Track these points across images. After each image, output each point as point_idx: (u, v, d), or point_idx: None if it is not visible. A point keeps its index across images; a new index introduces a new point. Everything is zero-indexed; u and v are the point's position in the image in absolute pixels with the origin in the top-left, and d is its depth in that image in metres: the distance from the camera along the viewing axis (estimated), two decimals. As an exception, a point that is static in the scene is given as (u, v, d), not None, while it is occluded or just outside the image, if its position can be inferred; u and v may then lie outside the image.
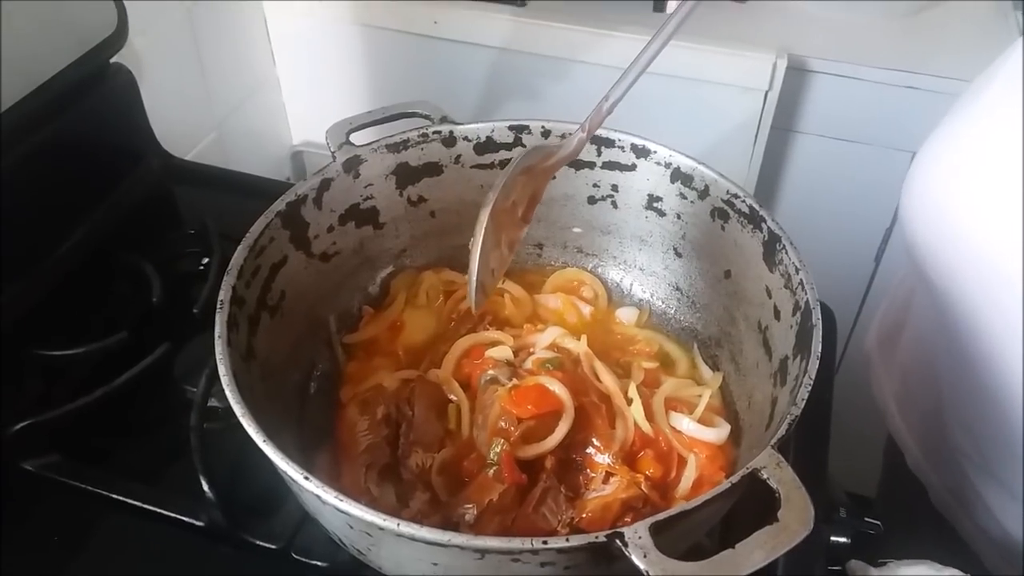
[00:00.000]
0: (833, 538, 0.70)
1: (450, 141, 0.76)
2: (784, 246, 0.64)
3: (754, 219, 0.68)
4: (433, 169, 0.76)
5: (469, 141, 0.76)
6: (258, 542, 0.65)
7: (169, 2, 1.14)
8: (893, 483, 0.95)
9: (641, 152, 0.74)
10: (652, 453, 0.65)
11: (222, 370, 0.55)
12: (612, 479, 0.62)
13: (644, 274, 0.81)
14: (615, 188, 0.77)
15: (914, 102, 1.16)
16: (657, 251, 0.79)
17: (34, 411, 0.71)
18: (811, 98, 1.22)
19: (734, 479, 0.49)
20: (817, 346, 0.57)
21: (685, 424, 0.67)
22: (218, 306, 0.59)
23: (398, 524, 0.47)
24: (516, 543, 0.46)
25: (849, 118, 1.23)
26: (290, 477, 0.50)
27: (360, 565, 0.58)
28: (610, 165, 0.76)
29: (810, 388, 0.55)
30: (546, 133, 0.75)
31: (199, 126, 1.24)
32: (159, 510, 0.67)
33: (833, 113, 1.23)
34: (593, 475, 0.63)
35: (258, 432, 0.51)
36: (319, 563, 0.64)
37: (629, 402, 0.67)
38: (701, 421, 0.67)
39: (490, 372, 0.69)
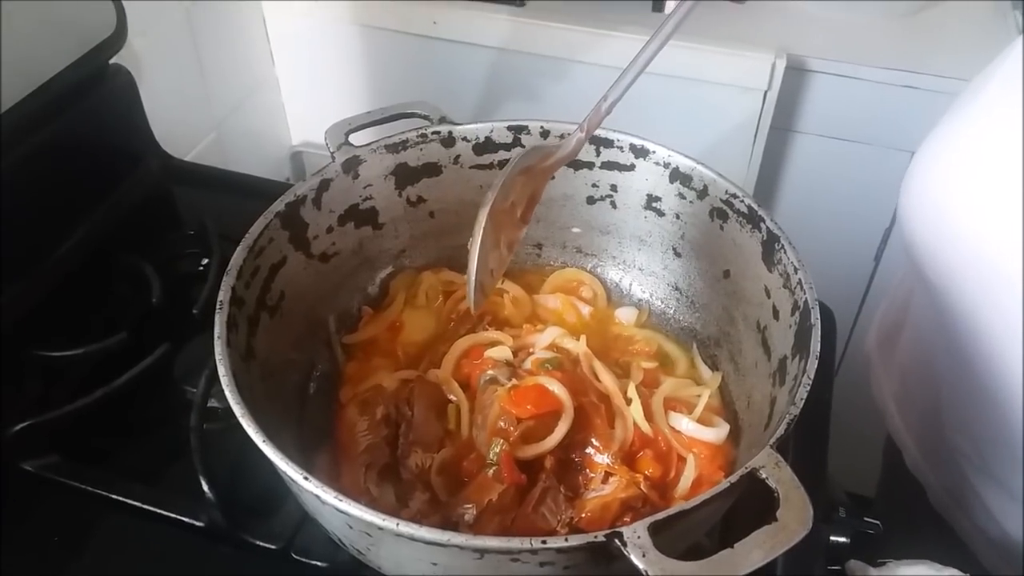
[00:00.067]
0: (832, 538, 0.70)
1: (449, 141, 0.76)
2: (783, 246, 0.64)
3: (753, 219, 0.68)
4: (432, 169, 0.77)
5: (468, 141, 0.76)
6: (258, 542, 0.65)
7: (168, 3, 1.14)
8: (892, 483, 0.95)
9: (640, 152, 0.74)
10: (651, 453, 0.65)
11: (222, 371, 0.55)
12: (611, 479, 0.63)
13: (643, 274, 0.81)
14: (614, 188, 0.77)
15: (913, 102, 1.16)
16: (656, 251, 0.79)
17: (34, 412, 0.71)
18: (810, 98, 1.22)
19: (733, 479, 0.49)
20: (816, 346, 0.57)
21: (684, 424, 0.67)
22: (217, 307, 0.59)
23: (397, 524, 0.47)
24: (515, 543, 0.46)
25: (848, 118, 1.23)
26: (290, 477, 0.50)
27: (360, 565, 0.58)
28: (609, 165, 0.76)
29: (809, 388, 0.55)
30: (545, 133, 0.75)
31: (198, 127, 1.24)
32: (159, 510, 0.67)
33: (832, 113, 1.23)
34: (592, 475, 0.63)
35: (258, 432, 0.51)
36: (319, 563, 0.64)
37: (628, 402, 0.67)
38: (700, 421, 0.68)
39: (489, 372, 0.69)
